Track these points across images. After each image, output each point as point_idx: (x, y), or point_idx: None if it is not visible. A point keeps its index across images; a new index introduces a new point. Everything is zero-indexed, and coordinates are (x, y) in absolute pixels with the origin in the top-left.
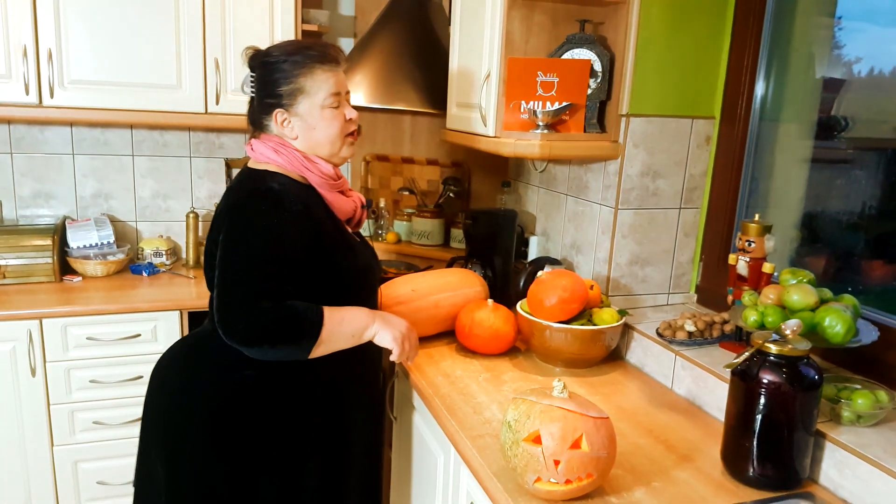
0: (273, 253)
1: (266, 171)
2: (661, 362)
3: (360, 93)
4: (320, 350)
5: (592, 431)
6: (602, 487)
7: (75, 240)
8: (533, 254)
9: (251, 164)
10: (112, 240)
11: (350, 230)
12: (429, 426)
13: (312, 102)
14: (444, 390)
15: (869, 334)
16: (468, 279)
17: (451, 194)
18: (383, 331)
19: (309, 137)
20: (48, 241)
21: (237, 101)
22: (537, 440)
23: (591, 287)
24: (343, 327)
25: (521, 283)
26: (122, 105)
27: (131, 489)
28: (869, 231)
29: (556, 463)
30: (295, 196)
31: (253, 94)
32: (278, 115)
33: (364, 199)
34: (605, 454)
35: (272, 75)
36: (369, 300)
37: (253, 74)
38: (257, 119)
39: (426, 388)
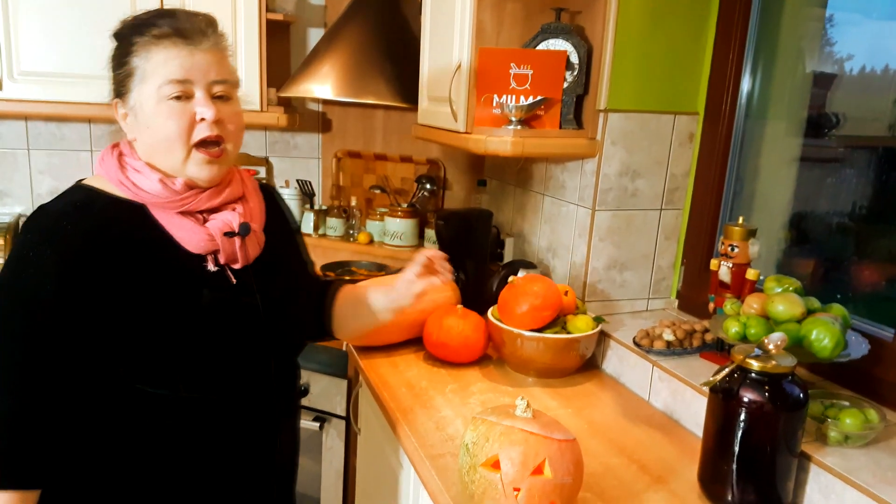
0: (21, 312)
1: (78, 184)
2: (638, 373)
3: (328, 85)
4: None
5: (557, 456)
6: None
7: None
8: (509, 255)
9: None
10: None
11: (215, 267)
12: (389, 442)
13: (145, 91)
14: (407, 403)
15: (858, 348)
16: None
17: (425, 193)
18: None
19: (143, 140)
20: (1, 241)
21: None
22: (496, 465)
23: (566, 293)
24: None
25: (494, 288)
26: (78, 98)
27: None
28: (860, 235)
29: (517, 491)
30: (78, 219)
31: None
32: (117, 106)
33: (236, 222)
34: (570, 480)
35: (111, 54)
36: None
37: None
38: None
39: (388, 400)
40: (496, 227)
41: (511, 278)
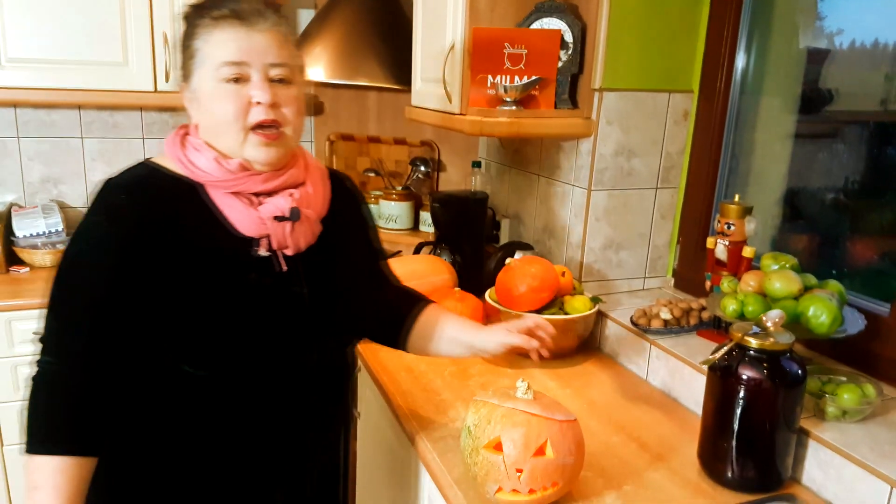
0: (76, 281)
1: (144, 161)
2: (636, 352)
3: (320, 67)
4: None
5: (558, 436)
6: (570, 494)
7: (21, 228)
8: (505, 237)
9: None
10: (61, 227)
11: (267, 252)
12: (390, 425)
13: (204, 73)
14: (406, 387)
15: (855, 323)
16: (435, 266)
17: (419, 175)
18: None
19: (204, 123)
20: None
21: None
22: (498, 447)
23: (563, 274)
24: (29, 493)
25: (491, 269)
26: (67, 84)
27: None
28: (854, 210)
29: (519, 472)
30: (136, 194)
31: None
32: (183, 91)
33: (287, 207)
34: (571, 460)
35: (179, 37)
36: (238, 396)
37: None
38: None
39: (388, 384)
40: (492, 209)
41: (508, 260)
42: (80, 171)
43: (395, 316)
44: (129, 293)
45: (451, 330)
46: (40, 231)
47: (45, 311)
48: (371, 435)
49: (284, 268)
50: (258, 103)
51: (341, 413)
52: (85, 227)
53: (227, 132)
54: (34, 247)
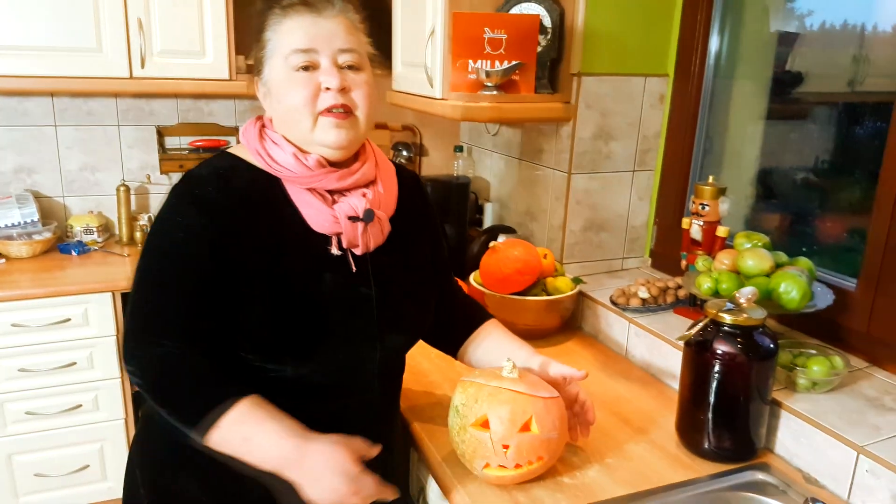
0: (177, 266)
1: (224, 152)
2: (616, 330)
3: None
4: (216, 447)
5: (542, 413)
6: (554, 467)
7: None
8: (488, 221)
9: None
10: (36, 217)
11: (339, 251)
12: None
13: (275, 63)
14: None
15: (824, 298)
16: None
17: (401, 160)
18: (306, 487)
19: (277, 114)
20: None
21: (166, 65)
22: (485, 425)
23: (545, 256)
24: (243, 449)
25: (475, 253)
26: (38, 72)
27: (72, 480)
28: (823, 189)
29: (506, 448)
30: (222, 186)
31: None
32: (257, 84)
33: (361, 207)
34: (556, 435)
35: (253, 31)
36: (309, 384)
37: None
38: None
39: None
40: (474, 193)
41: (492, 243)
42: (55, 159)
43: (456, 326)
44: (223, 286)
45: (506, 350)
46: (15, 221)
47: (137, 302)
48: None
49: (353, 268)
50: (328, 89)
51: (394, 413)
52: (170, 216)
53: (299, 119)
54: (9, 238)
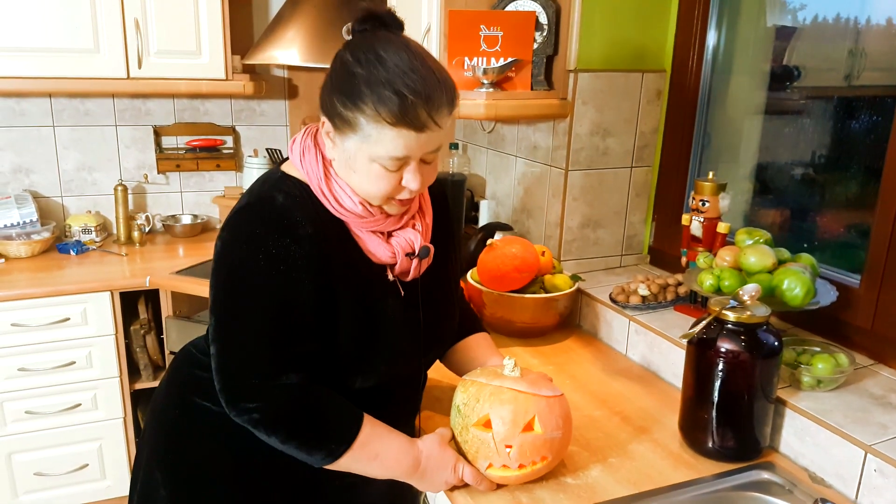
0: (285, 298)
1: (284, 174)
2: (615, 328)
3: (294, 51)
4: (336, 468)
5: (545, 412)
6: (558, 467)
7: None
8: (484, 218)
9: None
10: (35, 217)
11: (392, 279)
12: None
13: (364, 148)
14: None
15: (827, 295)
16: None
17: None
18: (422, 486)
19: (346, 173)
20: None
21: (162, 65)
22: (487, 425)
23: (543, 253)
24: (373, 465)
25: (471, 251)
26: (37, 72)
27: (71, 479)
28: (823, 184)
29: (508, 447)
30: (303, 215)
31: None
32: (325, 123)
33: (417, 243)
34: (559, 434)
35: (339, 78)
36: (370, 395)
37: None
38: (320, 103)
39: None
40: (470, 191)
41: (489, 241)
42: (53, 159)
43: (456, 334)
44: (321, 309)
45: (487, 360)
46: (14, 221)
47: (245, 338)
48: None
49: (402, 292)
50: (406, 187)
51: (415, 418)
52: (273, 249)
53: (369, 198)
54: (8, 238)
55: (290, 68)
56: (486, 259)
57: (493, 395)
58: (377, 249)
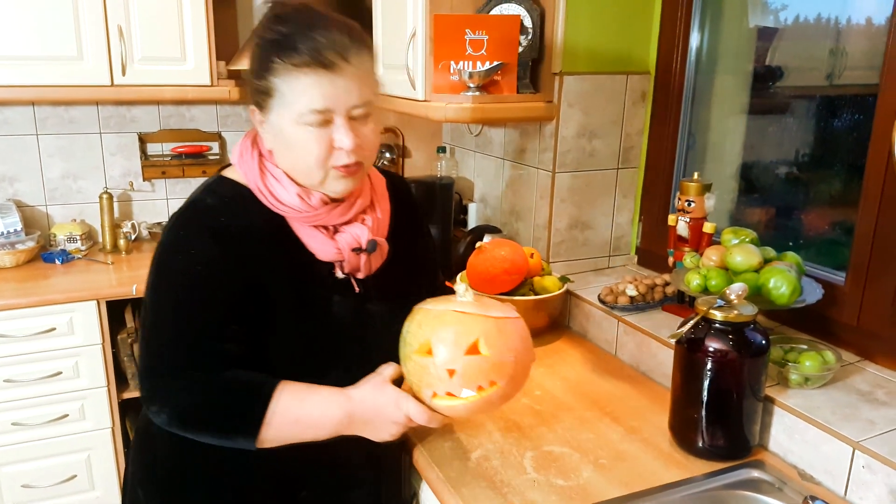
0: (198, 298)
1: (222, 178)
2: (604, 329)
3: None
4: (270, 444)
5: (493, 333)
6: (548, 468)
7: None
8: (472, 221)
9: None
10: (20, 227)
11: (343, 275)
12: None
13: (285, 114)
14: None
15: (813, 293)
16: None
17: (384, 162)
18: (371, 433)
19: (283, 155)
20: None
21: (147, 72)
22: (430, 351)
23: (532, 255)
24: (299, 429)
25: (461, 253)
26: (19, 81)
27: (59, 490)
28: (807, 182)
29: (451, 373)
30: (231, 216)
31: None
32: (254, 113)
33: (364, 238)
34: (511, 357)
35: (252, 61)
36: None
37: None
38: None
39: None
40: (458, 194)
41: (478, 244)
42: (37, 168)
43: None
44: (251, 314)
45: None
46: None
47: (158, 339)
48: None
49: (357, 289)
50: (341, 149)
51: None
52: (191, 249)
53: (310, 172)
54: None
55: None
56: (475, 262)
57: (435, 319)
58: (320, 246)
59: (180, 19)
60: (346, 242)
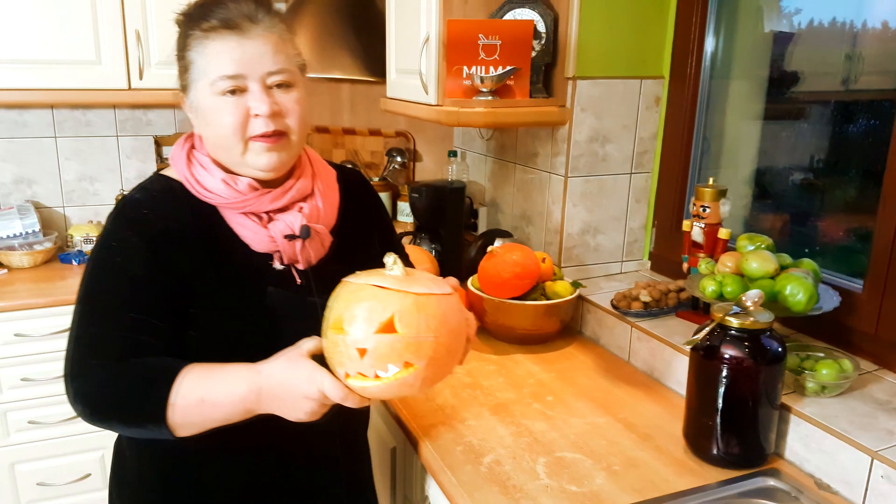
0: (114, 290)
1: (157, 174)
2: (617, 335)
3: None
4: (187, 432)
5: (411, 310)
6: (562, 475)
7: None
8: (483, 225)
9: None
10: (38, 228)
11: (281, 266)
12: (379, 412)
13: (200, 86)
14: None
15: (830, 300)
16: (416, 256)
17: (395, 166)
18: (285, 411)
19: (206, 135)
20: None
21: (163, 76)
22: (342, 328)
23: (544, 260)
24: (206, 410)
25: (472, 257)
26: (39, 84)
27: (73, 489)
28: (823, 189)
29: (362, 352)
30: (156, 209)
31: None
32: (182, 101)
33: (297, 225)
34: (430, 337)
35: (174, 45)
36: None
37: None
38: None
39: None
40: (469, 198)
41: (490, 248)
42: (54, 170)
43: None
44: (171, 306)
45: None
46: (17, 232)
47: (78, 329)
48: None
49: (298, 281)
50: (257, 115)
51: (362, 418)
52: (112, 241)
53: (229, 145)
54: (11, 248)
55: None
56: (486, 266)
57: (351, 293)
58: (252, 235)
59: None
60: (279, 230)
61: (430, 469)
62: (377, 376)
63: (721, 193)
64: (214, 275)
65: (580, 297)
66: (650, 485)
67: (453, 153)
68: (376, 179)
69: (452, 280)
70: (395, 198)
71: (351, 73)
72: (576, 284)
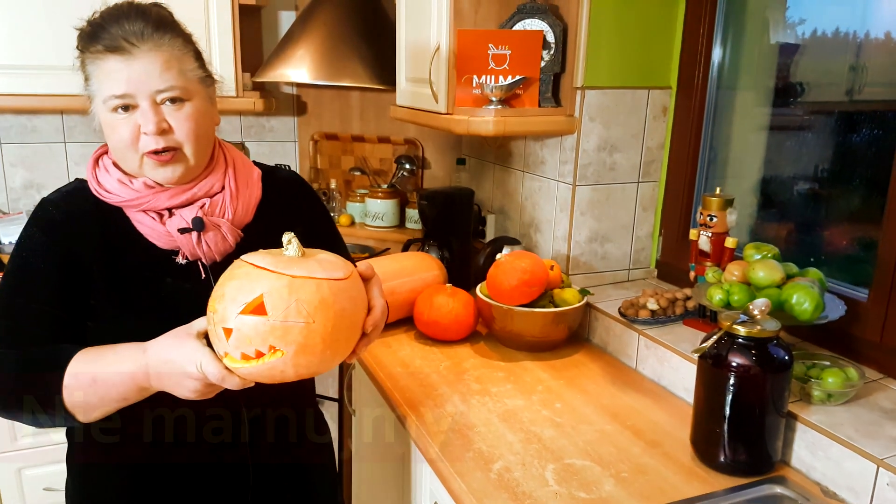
0: (12, 282)
1: (78, 179)
2: (625, 342)
3: (304, 69)
4: (90, 415)
5: (281, 292)
6: (571, 482)
7: (7, 234)
8: (491, 232)
9: None
10: None
11: (185, 261)
12: (388, 421)
13: (97, 101)
14: (403, 382)
15: (836, 309)
16: (425, 263)
17: (404, 173)
18: (175, 390)
19: (109, 145)
20: None
21: None
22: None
23: (552, 267)
24: (100, 389)
25: (480, 265)
26: (48, 90)
27: None
28: (829, 198)
29: (228, 332)
30: (62, 209)
31: None
32: (89, 107)
33: (190, 219)
34: (300, 322)
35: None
36: None
37: None
38: None
39: (385, 380)
40: (477, 205)
41: (498, 255)
42: (63, 175)
43: None
44: (70, 298)
45: None
46: None
47: None
48: (366, 432)
49: (203, 275)
50: (145, 133)
51: (288, 394)
52: (23, 239)
53: (126, 158)
54: None
55: (299, 85)
56: (495, 273)
57: (229, 271)
58: (150, 231)
59: (207, 32)
60: (174, 224)
61: (440, 475)
62: (247, 357)
63: (728, 203)
64: (113, 268)
65: (588, 305)
66: (658, 491)
67: (462, 161)
68: (385, 186)
69: (363, 265)
70: (404, 205)
71: (361, 82)
72: (584, 292)
